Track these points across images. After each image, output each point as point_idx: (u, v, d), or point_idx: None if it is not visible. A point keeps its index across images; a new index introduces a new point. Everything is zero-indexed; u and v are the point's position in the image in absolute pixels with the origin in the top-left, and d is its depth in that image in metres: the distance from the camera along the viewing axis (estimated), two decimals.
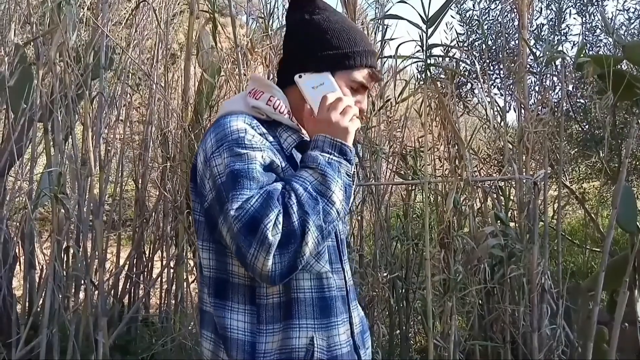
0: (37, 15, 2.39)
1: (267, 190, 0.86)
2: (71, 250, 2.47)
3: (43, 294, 2.25)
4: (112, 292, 2.87)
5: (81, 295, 2.49)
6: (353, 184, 0.97)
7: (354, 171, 0.99)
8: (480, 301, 2.33)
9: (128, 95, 3.11)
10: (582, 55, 2.36)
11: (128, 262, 2.92)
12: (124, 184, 3.10)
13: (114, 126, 2.92)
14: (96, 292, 2.30)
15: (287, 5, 2.59)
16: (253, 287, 0.95)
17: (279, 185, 0.88)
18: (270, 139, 0.98)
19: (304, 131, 1.05)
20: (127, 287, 2.97)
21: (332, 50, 1.02)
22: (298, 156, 1.02)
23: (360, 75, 1.04)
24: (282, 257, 0.83)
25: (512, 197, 2.37)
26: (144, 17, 2.96)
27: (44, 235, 4.28)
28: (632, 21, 3.33)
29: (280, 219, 0.83)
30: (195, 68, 2.64)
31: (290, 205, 0.85)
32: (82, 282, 2.41)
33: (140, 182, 2.86)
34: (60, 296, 2.14)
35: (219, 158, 0.91)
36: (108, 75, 2.74)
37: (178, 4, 3.17)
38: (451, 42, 3.11)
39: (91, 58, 2.29)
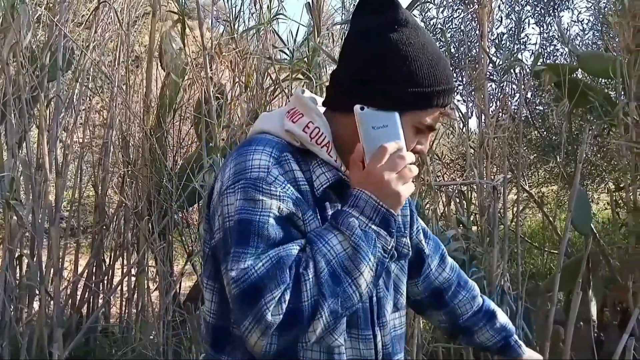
0: None
1: (278, 256, 0.73)
2: (25, 259, 2.37)
3: None
4: (70, 301, 2.77)
5: (36, 305, 2.39)
6: (388, 261, 0.80)
7: (393, 246, 0.80)
8: None
9: (88, 98, 3.02)
10: (538, 63, 2.45)
11: (87, 271, 2.82)
12: (83, 189, 3.00)
13: (73, 130, 2.83)
14: (52, 302, 2.21)
15: (252, 10, 2.59)
16: None
17: (294, 250, 0.75)
18: (300, 175, 0.83)
19: (343, 167, 0.86)
20: (86, 296, 2.88)
21: (409, 87, 0.82)
22: (331, 196, 0.86)
23: (431, 116, 0.85)
24: (281, 339, 0.71)
25: (473, 201, 2.43)
26: (105, 17, 2.88)
27: None
28: (586, 32, 3.49)
29: (287, 296, 0.71)
30: (158, 71, 2.59)
31: (304, 280, 0.72)
32: (37, 292, 2.31)
33: (100, 187, 2.78)
34: (12, 307, 2.04)
35: (232, 196, 0.79)
36: (66, 77, 2.65)
37: (141, 5, 3.11)
38: None
39: (48, 59, 2.21)
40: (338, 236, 0.76)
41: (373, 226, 0.77)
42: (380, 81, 0.83)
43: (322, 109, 0.89)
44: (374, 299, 0.88)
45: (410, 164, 0.81)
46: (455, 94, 2.41)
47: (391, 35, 0.83)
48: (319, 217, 0.83)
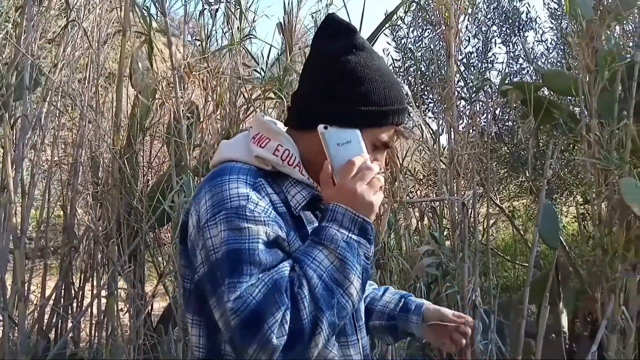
0: None
1: (272, 279, 0.75)
2: None
3: None
4: (37, 326, 2.67)
5: None
6: (370, 266, 0.84)
7: (373, 252, 0.86)
8: None
9: (56, 117, 2.97)
10: (505, 83, 2.53)
11: (55, 293, 2.73)
12: (52, 209, 2.92)
13: (41, 149, 2.76)
14: (16, 329, 2.13)
15: (225, 29, 2.61)
16: None
17: (286, 270, 0.77)
18: (276, 198, 0.86)
19: (315, 184, 0.90)
20: (54, 320, 2.78)
21: (367, 107, 0.88)
22: (307, 215, 0.90)
23: (388, 134, 0.91)
24: (286, 357, 0.73)
25: (445, 217, 2.47)
26: (74, 36, 2.85)
27: None
28: (550, 51, 3.62)
29: (288, 316, 0.72)
30: (128, 90, 2.56)
31: (301, 298, 0.74)
32: (0, 318, 2.22)
33: (69, 207, 2.71)
34: None
35: (215, 229, 0.79)
36: (33, 96, 2.60)
37: (112, 24, 3.08)
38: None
39: (14, 78, 2.17)
40: (323, 251, 0.79)
41: (354, 236, 0.81)
42: (340, 101, 0.88)
43: (284, 129, 0.93)
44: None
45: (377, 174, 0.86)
46: (425, 112, 2.46)
47: (349, 58, 0.89)
48: (298, 235, 0.85)
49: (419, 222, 2.59)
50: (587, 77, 2.24)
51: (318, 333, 0.74)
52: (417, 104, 2.84)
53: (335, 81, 0.88)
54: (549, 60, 3.61)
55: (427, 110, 3.39)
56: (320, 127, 0.86)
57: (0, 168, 2.24)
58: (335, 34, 0.92)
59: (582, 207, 3.27)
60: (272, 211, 0.82)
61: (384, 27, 2.35)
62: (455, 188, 2.29)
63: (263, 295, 0.73)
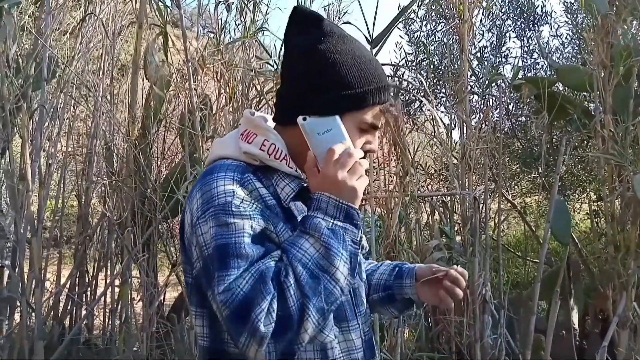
0: None
1: (258, 270, 0.77)
2: (6, 271, 2.34)
3: None
4: (52, 313, 2.73)
5: (17, 317, 2.35)
6: (360, 252, 0.87)
7: (361, 236, 0.87)
8: (427, 313, 2.39)
9: (72, 107, 3.01)
10: (518, 77, 2.51)
11: (69, 282, 2.79)
12: (66, 199, 2.97)
13: (56, 139, 2.81)
14: (33, 314, 2.18)
15: (239, 21, 2.62)
16: None
17: (272, 261, 0.80)
18: (264, 191, 0.87)
19: (304, 175, 0.92)
20: (69, 307, 2.84)
21: (342, 91, 0.88)
22: (298, 205, 0.92)
23: (372, 115, 0.91)
24: (278, 346, 0.76)
25: (456, 211, 2.46)
26: (90, 28, 2.88)
27: None
28: (565, 46, 3.57)
29: (275, 305, 0.75)
30: (143, 81, 2.59)
31: (287, 287, 0.76)
32: (18, 303, 2.28)
33: (83, 197, 2.75)
34: None
35: (205, 225, 0.82)
36: (51, 87, 2.64)
37: (126, 15, 3.11)
38: (400, 61, 3.22)
39: (32, 69, 2.20)
40: (309, 240, 0.81)
41: (339, 223, 0.83)
42: (315, 90, 0.89)
43: (273, 125, 0.95)
44: (351, 290, 0.94)
45: (361, 159, 0.87)
46: (437, 106, 2.45)
47: (318, 46, 0.90)
48: (289, 226, 0.88)
49: (430, 217, 2.60)
50: (602, 73, 2.21)
51: (306, 319, 0.76)
52: (429, 99, 2.83)
53: (307, 71, 0.90)
54: (564, 55, 3.57)
55: (439, 105, 3.37)
56: (300, 119, 0.88)
57: (19, 157, 2.28)
58: (302, 25, 0.93)
59: (595, 203, 3.24)
60: (258, 205, 0.85)
61: (397, 22, 2.34)
62: (467, 183, 2.29)
63: (250, 286, 0.76)
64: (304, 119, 0.88)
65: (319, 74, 0.89)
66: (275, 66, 2.15)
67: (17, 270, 2.15)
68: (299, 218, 0.89)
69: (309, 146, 0.88)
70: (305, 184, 0.92)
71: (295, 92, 0.91)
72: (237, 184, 0.85)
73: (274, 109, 0.98)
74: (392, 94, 0.97)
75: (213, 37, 2.49)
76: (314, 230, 0.81)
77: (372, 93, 0.90)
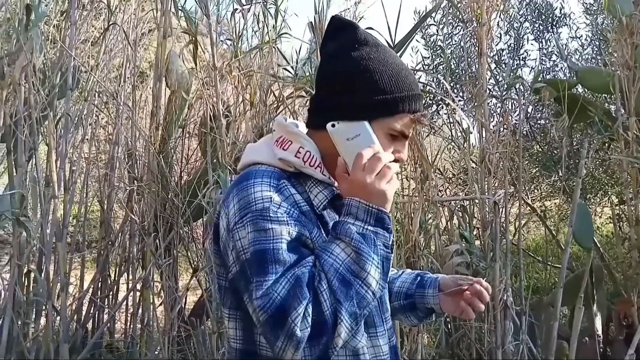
0: (1, 32, 2.36)
1: (295, 275, 0.79)
2: (32, 275, 2.39)
3: (1, 321, 2.17)
4: (75, 317, 2.78)
5: (42, 321, 2.40)
6: (392, 255, 0.86)
7: (393, 240, 0.87)
8: (447, 319, 2.37)
9: (94, 114, 3.07)
10: (539, 80, 2.49)
11: (92, 286, 2.84)
12: (89, 204, 3.03)
13: (79, 146, 2.87)
14: (58, 318, 2.23)
15: (255, 28, 2.64)
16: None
17: (307, 266, 0.81)
18: (299, 197, 0.89)
19: (336, 182, 0.93)
20: (91, 311, 2.88)
21: (372, 96, 0.89)
22: (330, 212, 0.93)
23: (402, 122, 0.91)
24: (313, 350, 0.77)
25: (476, 216, 2.45)
26: (112, 37, 2.94)
27: (3, 259, 4.11)
28: (584, 47, 3.53)
29: (310, 310, 0.77)
30: (163, 88, 2.63)
31: (320, 292, 0.78)
32: (44, 307, 2.32)
33: (106, 203, 2.81)
34: (19, 322, 2.06)
35: (243, 230, 0.83)
36: (74, 95, 2.71)
37: (147, 23, 3.17)
38: (416, 65, 3.22)
39: (57, 78, 2.26)
40: (340, 245, 0.82)
41: (369, 227, 0.83)
42: (346, 95, 0.90)
43: (305, 131, 0.96)
44: (380, 298, 0.94)
45: (392, 162, 0.87)
46: (454, 110, 2.45)
47: (352, 53, 0.92)
48: (323, 232, 0.89)
49: (449, 222, 2.58)
50: (626, 74, 2.18)
51: (339, 324, 0.77)
52: (448, 101, 2.82)
53: (339, 76, 0.91)
54: (583, 57, 3.52)
55: (456, 109, 3.35)
56: (329, 125, 0.88)
57: (45, 164, 2.34)
58: (336, 33, 0.95)
59: (618, 207, 3.18)
60: (294, 211, 0.86)
61: (419, 26, 2.34)
62: (486, 187, 2.27)
63: (286, 291, 0.77)
64: (333, 126, 0.88)
65: (351, 79, 0.90)
66: (294, 72, 2.17)
67: (42, 274, 2.20)
68: (331, 225, 0.89)
69: (339, 152, 0.88)
70: (337, 191, 0.93)
71: (327, 97, 0.93)
72: (274, 190, 0.86)
73: (307, 114, 1.00)
74: (423, 103, 0.95)
75: (231, 45, 2.52)
76: (345, 235, 0.82)
77: (403, 100, 0.91)
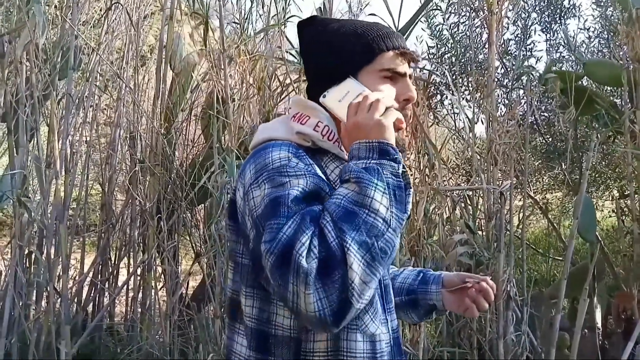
0: (2, 10, 2.31)
1: (301, 214, 0.74)
2: (33, 256, 2.38)
3: (2, 302, 2.16)
4: (76, 299, 2.77)
5: (43, 302, 2.39)
6: (408, 185, 0.81)
7: (405, 170, 0.82)
8: None
9: (96, 96, 3.04)
10: (550, 71, 2.46)
11: (93, 269, 2.83)
12: (89, 187, 3.01)
13: (80, 128, 2.84)
14: (59, 300, 2.22)
15: (261, 11, 2.60)
16: (299, 340, 0.84)
17: (316, 208, 0.77)
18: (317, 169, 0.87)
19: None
20: (92, 294, 2.88)
21: (346, 51, 0.91)
22: None
23: (386, 61, 0.91)
24: (328, 290, 0.70)
25: (479, 207, 2.44)
26: (114, 17, 2.90)
27: (3, 240, 4.10)
28: (592, 40, 3.50)
29: (316, 242, 0.72)
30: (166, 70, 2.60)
31: (324, 225, 0.73)
32: (45, 289, 2.32)
33: (106, 185, 2.78)
34: (20, 304, 2.05)
35: (258, 190, 0.80)
36: (75, 76, 2.67)
37: (149, 5, 3.12)
38: (421, 54, 3.18)
39: (59, 58, 2.22)
40: (343, 184, 0.79)
41: (373, 161, 0.79)
42: (323, 63, 0.94)
43: None
44: (382, 285, 0.92)
45: (386, 106, 0.85)
46: (459, 100, 2.42)
47: (320, 33, 0.96)
48: None
49: (452, 212, 2.57)
50: (636, 67, 2.16)
51: (348, 253, 0.71)
52: (452, 91, 2.80)
53: (314, 56, 0.96)
54: (591, 49, 3.49)
55: (461, 98, 3.33)
56: (320, 98, 0.90)
57: (46, 145, 2.31)
58: (302, 31, 1.00)
59: (621, 201, 3.18)
60: (315, 166, 0.84)
61: (423, 12, 2.31)
62: (491, 177, 2.26)
63: (293, 229, 0.73)
64: (324, 97, 0.90)
65: (324, 47, 0.93)
66: (299, 56, 2.14)
67: (44, 255, 2.19)
68: None
69: (338, 117, 0.89)
70: None
71: (314, 81, 0.95)
72: (293, 154, 0.84)
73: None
74: (401, 38, 0.95)
75: (237, 28, 2.48)
76: (347, 173, 0.78)
77: (375, 40, 0.91)
